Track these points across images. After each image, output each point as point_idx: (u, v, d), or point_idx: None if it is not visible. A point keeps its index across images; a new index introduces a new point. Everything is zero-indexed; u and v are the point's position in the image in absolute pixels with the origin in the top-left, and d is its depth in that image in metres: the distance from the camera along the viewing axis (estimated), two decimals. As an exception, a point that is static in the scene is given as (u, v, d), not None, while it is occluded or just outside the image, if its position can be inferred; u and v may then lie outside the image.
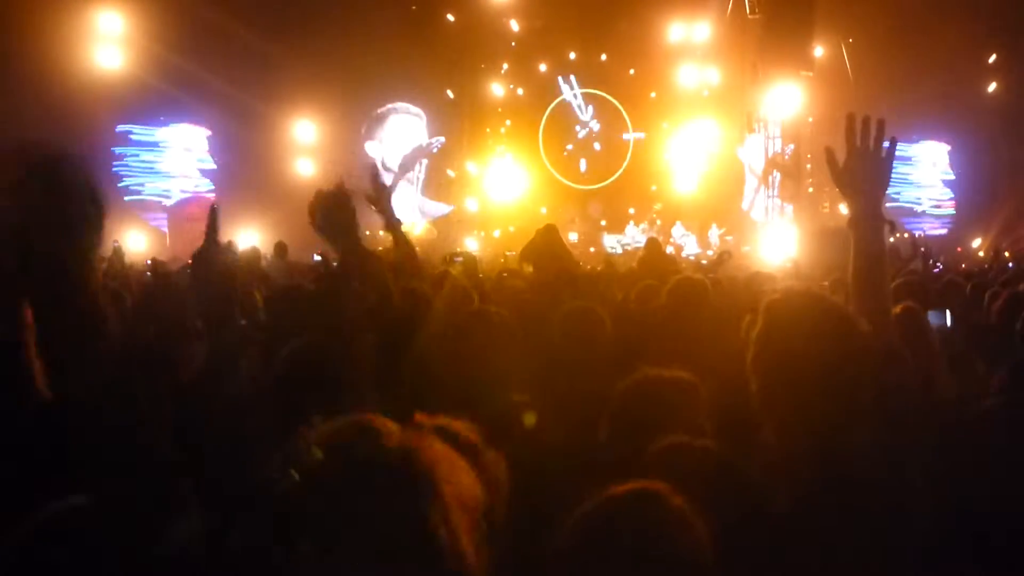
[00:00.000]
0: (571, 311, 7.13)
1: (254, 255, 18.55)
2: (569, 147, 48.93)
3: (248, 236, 30.83)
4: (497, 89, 46.92)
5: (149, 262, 23.60)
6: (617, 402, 4.46)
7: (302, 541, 2.03)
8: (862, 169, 4.25)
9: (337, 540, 2.04)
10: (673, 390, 4.39)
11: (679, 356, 4.78)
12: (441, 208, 46.80)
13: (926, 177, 52.99)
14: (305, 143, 43.58)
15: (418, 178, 47.02)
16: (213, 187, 42.59)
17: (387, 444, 2.18)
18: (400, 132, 46.51)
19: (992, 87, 50.59)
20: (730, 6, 44.02)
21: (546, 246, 15.32)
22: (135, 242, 34.30)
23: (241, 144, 41.05)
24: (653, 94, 46.89)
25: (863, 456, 3.35)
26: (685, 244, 42.26)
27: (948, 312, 7.89)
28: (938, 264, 20.25)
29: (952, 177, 53.35)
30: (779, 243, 31.20)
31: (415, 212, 45.17)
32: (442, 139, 46.73)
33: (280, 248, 24.17)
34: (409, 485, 2.14)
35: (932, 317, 6.81)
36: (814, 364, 3.35)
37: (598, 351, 6.52)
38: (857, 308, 3.87)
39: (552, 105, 48.18)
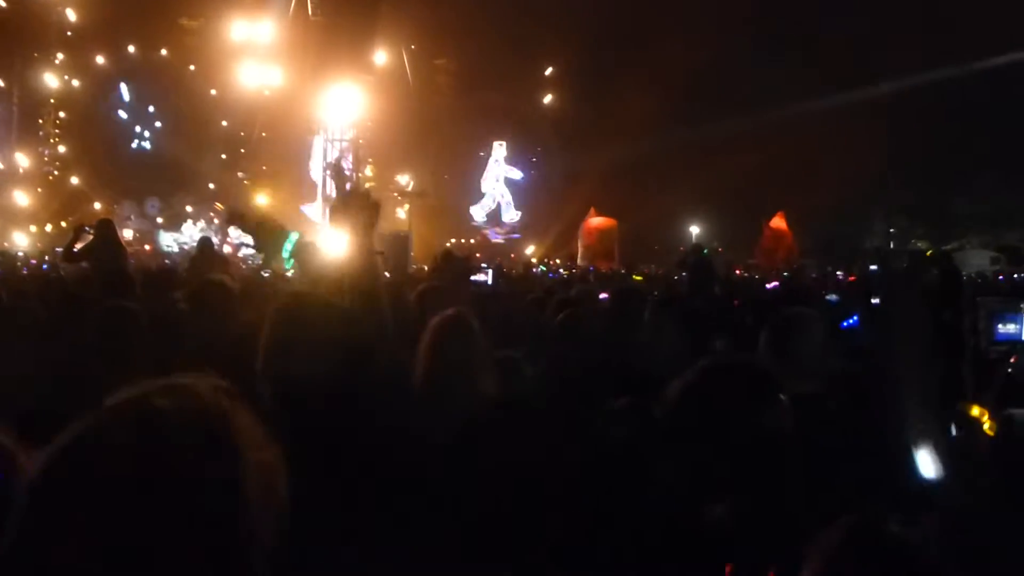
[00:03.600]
0: (107, 309, 7.04)
1: None
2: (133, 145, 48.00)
3: None
4: (51, 80, 45.08)
5: None
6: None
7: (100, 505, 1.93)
8: (346, 208, 4.55)
9: (140, 504, 1.94)
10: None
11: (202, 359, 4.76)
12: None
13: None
14: None
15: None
16: None
17: (202, 405, 2.09)
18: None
19: (548, 98, 52.53)
20: (292, 7, 43.99)
21: (102, 243, 14.87)
22: None
23: None
24: (213, 91, 46.18)
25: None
26: (242, 245, 41.84)
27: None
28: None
29: (519, 177, 55.16)
30: (341, 245, 31.31)
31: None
32: None
33: None
34: (222, 447, 2.06)
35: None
36: (318, 362, 3.37)
37: (132, 352, 6.41)
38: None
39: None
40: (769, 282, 20.93)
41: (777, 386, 3.61)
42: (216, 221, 44.35)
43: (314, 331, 3.42)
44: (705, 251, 19.44)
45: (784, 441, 3.55)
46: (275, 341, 3.47)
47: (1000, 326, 5.25)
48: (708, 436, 3.52)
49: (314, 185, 46.65)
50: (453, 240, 47.30)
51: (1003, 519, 3.93)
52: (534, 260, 41.28)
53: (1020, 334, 5.22)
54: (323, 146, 45.54)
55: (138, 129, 48.22)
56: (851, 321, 11.01)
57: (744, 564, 3.29)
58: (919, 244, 49.75)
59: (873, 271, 22.91)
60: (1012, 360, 5.12)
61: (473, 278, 14.57)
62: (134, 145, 48.13)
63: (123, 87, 47.16)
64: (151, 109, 47.88)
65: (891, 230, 54.71)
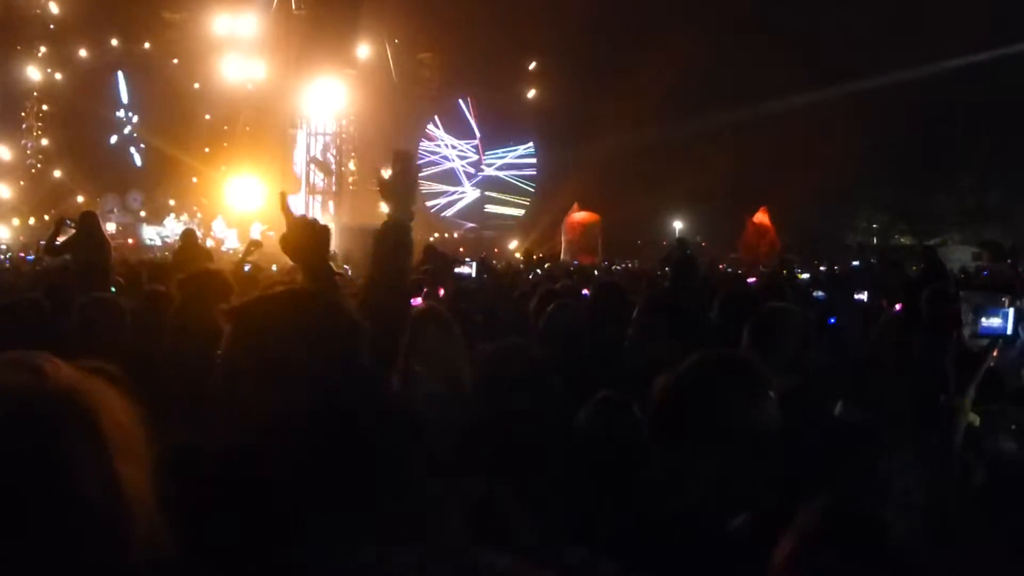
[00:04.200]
0: (90, 301, 7.02)
1: None
2: (113, 139, 47.86)
3: None
4: (33, 72, 44.97)
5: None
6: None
7: None
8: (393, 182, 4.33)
9: None
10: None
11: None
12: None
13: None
14: None
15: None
16: None
17: (49, 382, 2.02)
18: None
19: (532, 93, 52.59)
20: (275, 0, 43.97)
21: (85, 237, 14.81)
22: None
23: None
24: (196, 85, 46.08)
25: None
26: (226, 238, 41.82)
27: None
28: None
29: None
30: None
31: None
32: None
33: None
34: (72, 425, 1.95)
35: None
36: (277, 365, 3.19)
37: (117, 341, 6.37)
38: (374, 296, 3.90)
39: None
40: (750, 277, 20.92)
41: (766, 381, 3.59)
42: (199, 215, 44.33)
43: (270, 331, 3.21)
44: (688, 250, 19.44)
45: (773, 437, 3.53)
46: (230, 344, 3.23)
47: (983, 320, 5.27)
48: (696, 431, 3.49)
49: (297, 179, 46.66)
50: (436, 235, 47.28)
51: (984, 512, 3.93)
52: (518, 255, 41.27)
53: (1004, 328, 5.25)
54: (306, 140, 45.54)
55: (120, 121, 48.11)
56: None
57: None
58: (901, 240, 49.86)
59: (855, 267, 22.93)
60: (994, 354, 5.14)
61: (456, 271, 14.56)
62: (116, 138, 48.02)
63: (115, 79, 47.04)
64: (134, 103, 47.75)
65: (874, 226, 54.70)
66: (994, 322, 5.31)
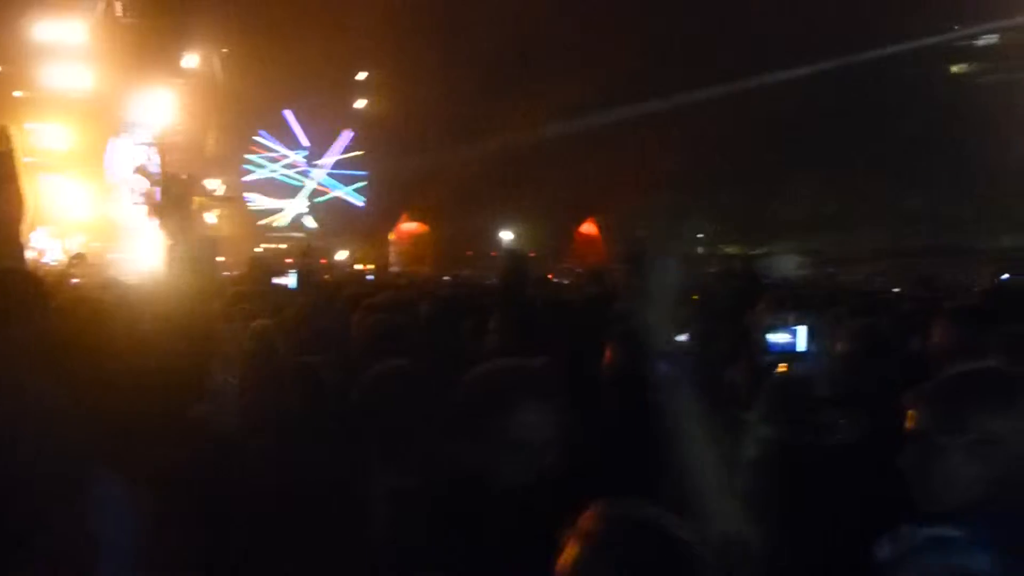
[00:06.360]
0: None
1: None
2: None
3: None
4: None
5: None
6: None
7: None
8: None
9: None
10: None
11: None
12: None
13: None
14: None
15: None
16: None
17: None
18: None
19: (362, 103, 52.56)
20: (102, 6, 43.11)
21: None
22: None
23: None
24: (18, 93, 44.85)
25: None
26: (48, 250, 40.71)
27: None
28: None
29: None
30: (148, 250, 30.84)
31: None
32: None
33: None
34: None
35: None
36: None
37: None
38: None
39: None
40: (575, 286, 21.05)
41: (550, 389, 3.64)
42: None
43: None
44: (519, 261, 19.47)
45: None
46: None
47: (770, 336, 5.41)
48: (486, 438, 3.54)
49: (113, 186, 45.59)
50: (264, 246, 46.87)
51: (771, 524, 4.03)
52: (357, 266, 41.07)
53: (793, 345, 5.39)
54: (129, 148, 44.65)
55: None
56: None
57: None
58: (729, 249, 50.36)
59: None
60: (781, 369, 5.30)
61: (275, 281, 14.39)
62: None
63: None
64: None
65: (699, 236, 54.63)
66: (783, 338, 5.45)
